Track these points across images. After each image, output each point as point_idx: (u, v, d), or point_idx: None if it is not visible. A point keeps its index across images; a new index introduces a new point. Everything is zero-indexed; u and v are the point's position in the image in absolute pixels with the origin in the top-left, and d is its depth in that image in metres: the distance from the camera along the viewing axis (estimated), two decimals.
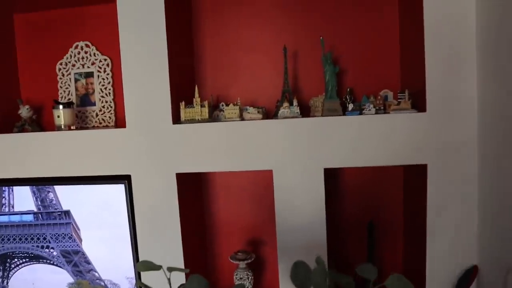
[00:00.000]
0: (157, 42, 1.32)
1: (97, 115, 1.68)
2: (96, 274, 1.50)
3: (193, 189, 1.59)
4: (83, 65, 1.68)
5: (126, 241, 1.43)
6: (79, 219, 1.48)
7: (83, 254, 1.50)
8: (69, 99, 1.68)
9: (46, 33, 1.71)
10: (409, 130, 1.22)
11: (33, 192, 1.51)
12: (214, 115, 1.42)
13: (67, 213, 1.48)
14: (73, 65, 1.68)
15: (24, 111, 1.60)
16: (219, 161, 1.32)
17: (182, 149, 1.34)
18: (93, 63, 1.67)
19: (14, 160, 1.44)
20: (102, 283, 1.50)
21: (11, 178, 1.48)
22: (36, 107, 1.69)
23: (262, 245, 1.66)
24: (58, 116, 1.50)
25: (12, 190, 1.52)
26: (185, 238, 1.40)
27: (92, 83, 1.68)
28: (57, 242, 1.51)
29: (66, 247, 1.51)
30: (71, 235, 1.49)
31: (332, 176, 1.53)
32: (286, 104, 1.34)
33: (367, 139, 1.24)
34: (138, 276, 1.44)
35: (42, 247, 1.53)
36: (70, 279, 1.53)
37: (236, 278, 1.50)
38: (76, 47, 1.67)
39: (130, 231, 1.42)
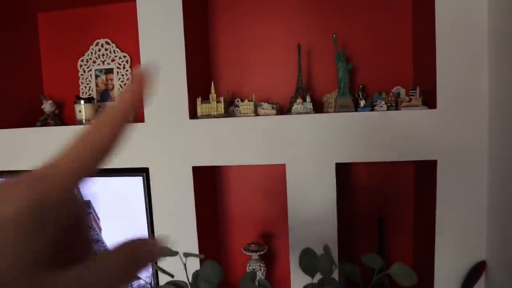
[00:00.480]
0: (175, 40, 1.36)
1: None
2: None
3: (209, 183, 1.63)
4: (103, 62, 1.73)
5: (143, 231, 1.48)
6: (98, 210, 1.55)
7: (103, 242, 1.56)
8: (90, 94, 1.75)
9: (68, 31, 1.77)
10: (419, 127, 1.23)
11: None
12: (229, 111, 1.46)
13: (87, 203, 1.55)
14: (94, 62, 1.74)
15: (47, 106, 1.67)
16: (234, 155, 1.36)
17: (199, 143, 1.38)
18: (113, 60, 1.73)
19: (38, 152, 1.50)
20: None
21: None
22: (58, 102, 1.76)
23: (274, 238, 1.70)
24: (80, 111, 1.57)
25: None
26: (200, 230, 1.45)
27: (111, 79, 1.74)
28: None
29: None
30: (91, 224, 1.56)
31: (343, 171, 1.56)
32: (299, 100, 1.37)
33: (378, 135, 1.26)
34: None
35: None
36: None
37: (249, 269, 1.54)
38: (97, 44, 1.73)
39: (147, 221, 1.48)
